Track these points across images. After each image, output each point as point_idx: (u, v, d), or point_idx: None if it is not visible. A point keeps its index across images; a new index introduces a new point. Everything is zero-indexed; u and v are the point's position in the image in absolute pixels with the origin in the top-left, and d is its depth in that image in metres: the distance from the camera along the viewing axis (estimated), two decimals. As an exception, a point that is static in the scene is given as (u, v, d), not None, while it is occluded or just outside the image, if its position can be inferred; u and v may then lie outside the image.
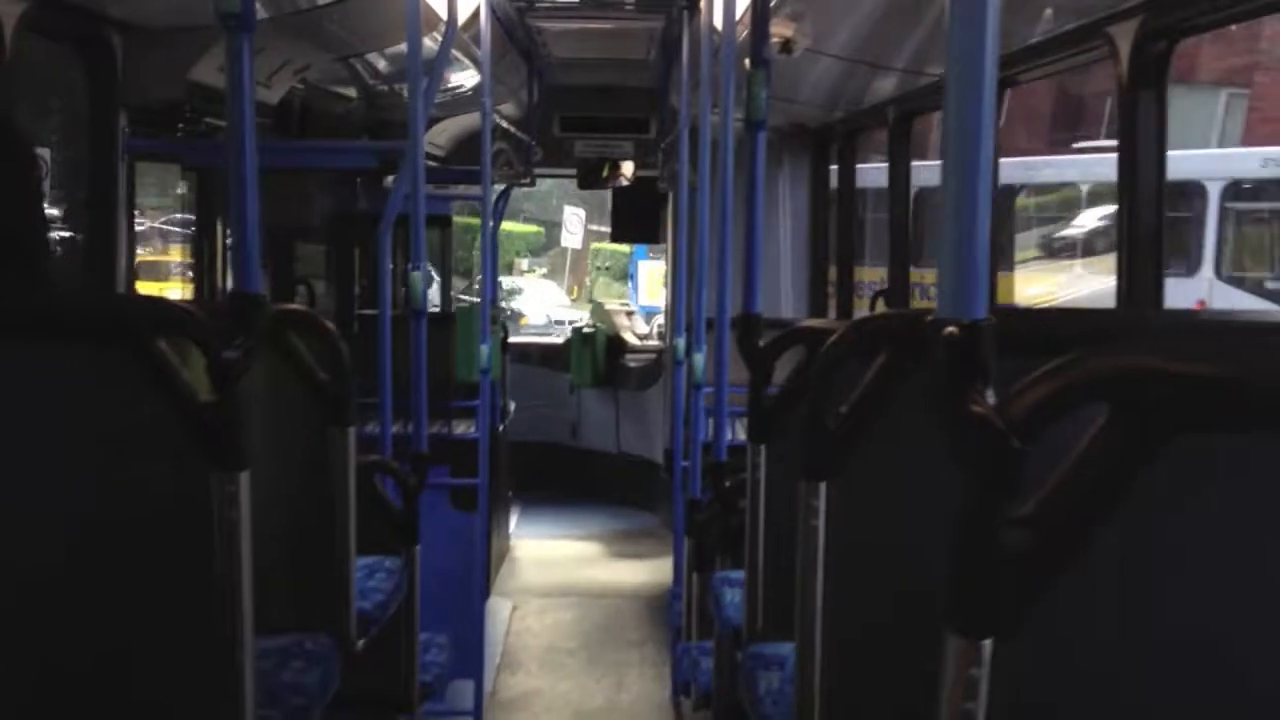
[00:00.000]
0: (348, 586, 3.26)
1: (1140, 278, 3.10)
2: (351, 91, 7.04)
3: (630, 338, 11.55)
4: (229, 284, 5.55)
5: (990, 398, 1.26)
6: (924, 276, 7.25)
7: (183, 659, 2.27)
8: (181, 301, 3.36)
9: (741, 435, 4.88)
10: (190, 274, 5.92)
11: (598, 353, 10.96)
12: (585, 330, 11.28)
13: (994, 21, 1.29)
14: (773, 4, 4.63)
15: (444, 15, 5.16)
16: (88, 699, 2.23)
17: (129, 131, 4.47)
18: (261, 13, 4.62)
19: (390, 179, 5.54)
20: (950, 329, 1.28)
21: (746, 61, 3.37)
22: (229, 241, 5.62)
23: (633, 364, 10.98)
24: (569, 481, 11.22)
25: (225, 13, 2.21)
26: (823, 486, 2.29)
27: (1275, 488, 1.28)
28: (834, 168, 7.78)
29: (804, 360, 2.89)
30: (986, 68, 1.26)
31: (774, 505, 3.11)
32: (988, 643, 1.29)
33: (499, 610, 8.04)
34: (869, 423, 2.22)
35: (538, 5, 7.10)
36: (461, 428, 6.95)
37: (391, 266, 5.57)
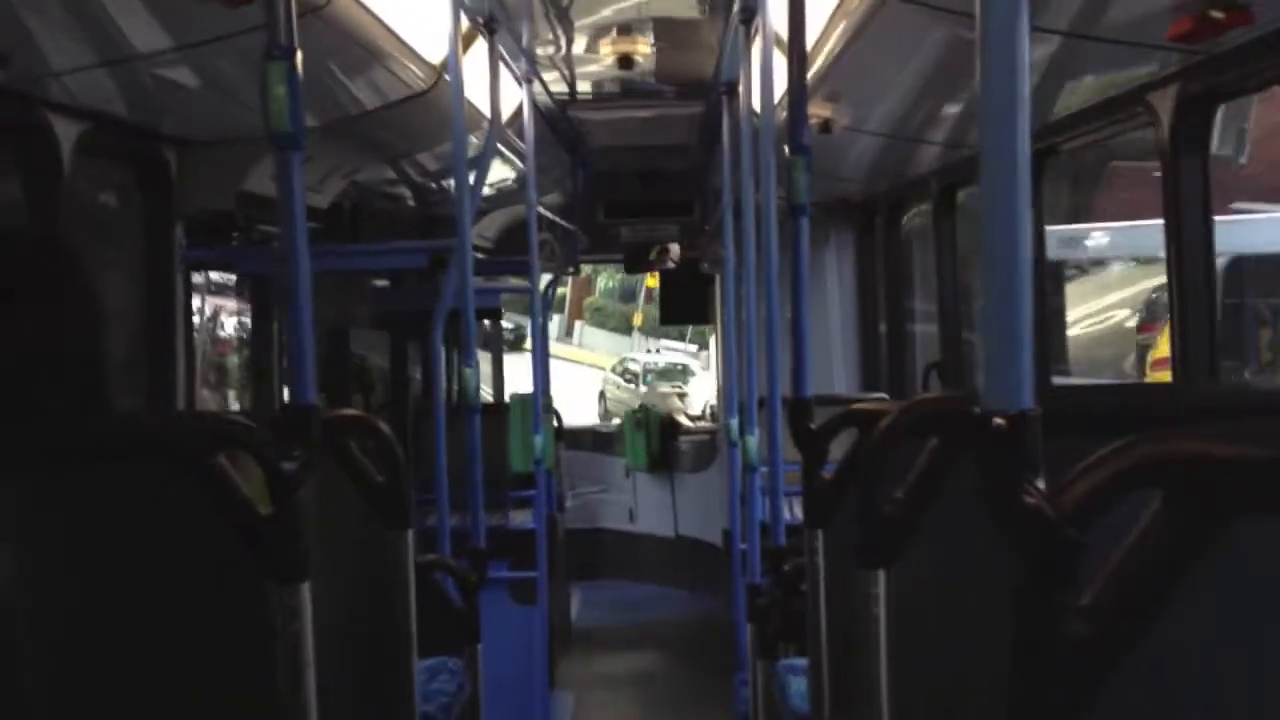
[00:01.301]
0: (411, 691, 3.25)
1: (1194, 350, 3.07)
2: (401, 190, 7.15)
3: (683, 419, 11.53)
4: (284, 389, 5.64)
5: (1040, 486, 1.25)
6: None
7: None
8: (237, 415, 3.40)
9: (800, 515, 4.85)
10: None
11: (651, 435, 10.95)
12: (638, 414, 11.29)
13: (1025, 98, 1.28)
14: (810, 87, 4.69)
15: (487, 113, 5.25)
16: None
17: (184, 243, 4.56)
18: (310, 120, 4.73)
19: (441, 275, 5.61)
20: (998, 421, 1.27)
21: (786, 148, 3.40)
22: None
23: (686, 446, 10.96)
24: (628, 566, 11.15)
25: (276, 133, 2.26)
26: (881, 574, 2.27)
27: None
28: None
29: (858, 441, 2.88)
30: (1019, 146, 1.25)
31: (835, 590, 3.08)
32: None
33: (561, 703, 7.97)
34: (924, 508, 2.20)
35: (579, 98, 7.20)
36: (518, 518, 6.95)
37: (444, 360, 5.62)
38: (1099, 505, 1.23)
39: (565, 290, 31.00)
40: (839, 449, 3.12)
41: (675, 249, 9.85)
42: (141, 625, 2.22)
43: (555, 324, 34.39)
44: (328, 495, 3.07)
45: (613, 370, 26.40)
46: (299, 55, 2.25)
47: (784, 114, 4.63)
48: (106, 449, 2.22)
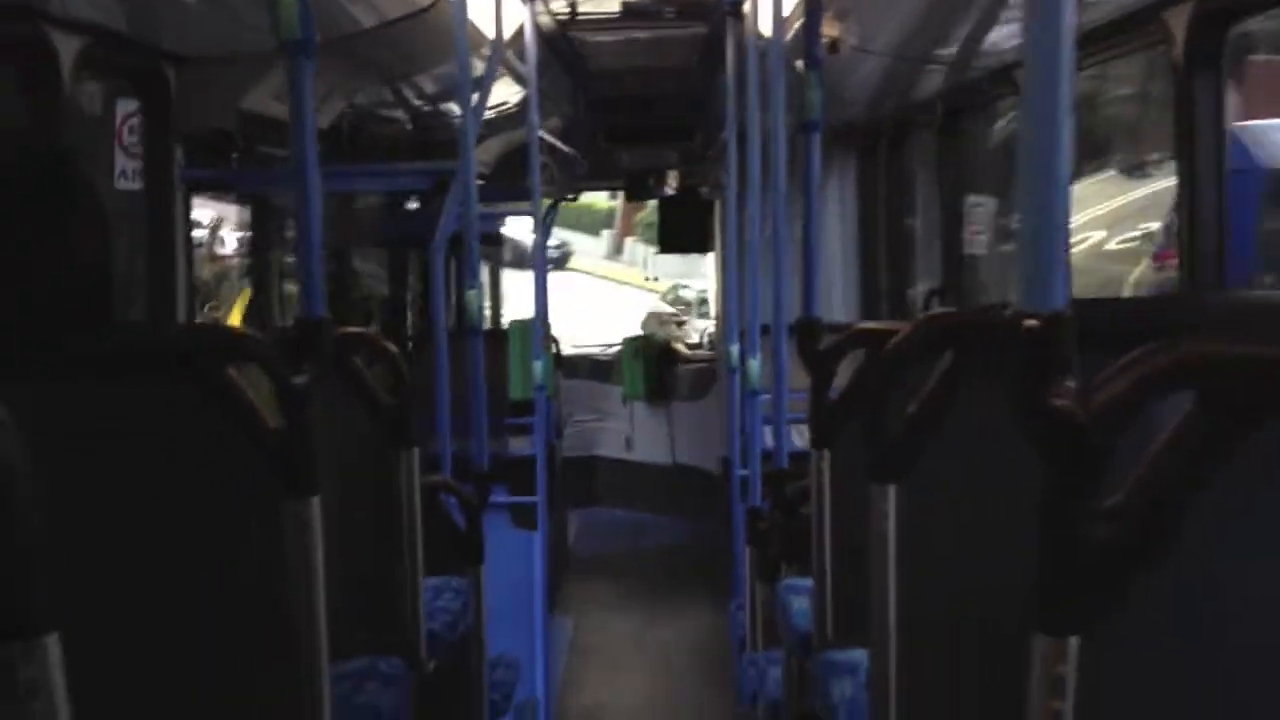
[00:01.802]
0: (418, 608, 3.27)
1: (1203, 261, 3.07)
2: (398, 113, 7.09)
3: (681, 348, 11.54)
4: (282, 309, 5.62)
5: (1071, 391, 1.24)
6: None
7: (259, 686, 2.28)
8: (248, 330, 3.38)
9: (798, 442, 4.86)
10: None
11: (649, 363, 10.96)
12: (636, 341, 11.28)
13: (1071, 5, 1.27)
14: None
15: (489, 34, 5.19)
16: (170, 704, 2.25)
17: (184, 163, 4.52)
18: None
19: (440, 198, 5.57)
20: (1030, 321, 1.26)
21: (799, 63, 3.36)
22: (286, 265, 5.69)
23: (684, 374, 10.97)
24: (624, 494, 11.22)
25: (287, 39, 2.22)
26: (891, 489, 2.27)
27: None
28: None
29: (864, 364, 2.87)
30: (1064, 52, 1.24)
31: (839, 511, 3.09)
32: (1075, 640, 1.28)
33: (561, 627, 8.05)
34: (937, 422, 2.20)
35: (579, 18, 7.12)
36: (516, 444, 6.97)
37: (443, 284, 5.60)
38: (1131, 407, 1.22)
39: (616, 204, 29.23)
40: (842, 377, 3.12)
41: (673, 176, 9.80)
42: (149, 538, 2.22)
43: (605, 240, 33.31)
44: (334, 412, 3.07)
45: (663, 298, 21.94)
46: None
47: (790, 33, 4.59)
48: (115, 361, 2.21)
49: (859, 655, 2.78)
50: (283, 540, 2.24)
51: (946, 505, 2.20)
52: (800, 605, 3.62)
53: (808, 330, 3.32)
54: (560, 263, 26.60)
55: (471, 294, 4.62)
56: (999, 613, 1.85)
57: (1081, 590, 1.28)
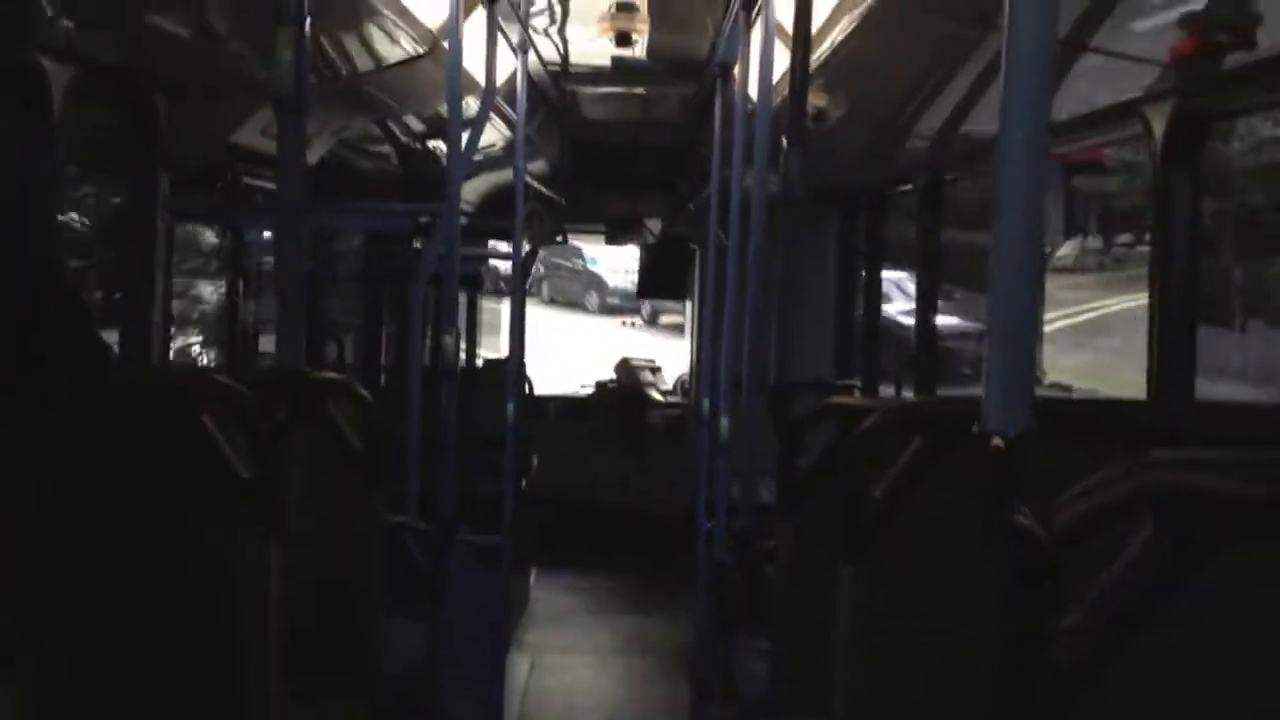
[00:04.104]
0: (378, 648, 3.27)
1: (1172, 367, 3.09)
2: (385, 149, 7.12)
3: (654, 394, 11.56)
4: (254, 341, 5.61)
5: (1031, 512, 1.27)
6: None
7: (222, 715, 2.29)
8: (222, 375, 3.39)
9: (766, 496, 4.88)
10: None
11: (621, 407, 10.98)
12: (610, 384, 11.30)
13: (1046, 111, 1.30)
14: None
15: (481, 80, 5.23)
16: None
17: (169, 194, 4.52)
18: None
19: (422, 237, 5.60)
20: (996, 442, 1.29)
21: (784, 140, 3.40)
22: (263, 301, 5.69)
23: (656, 420, 10.98)
24: (590, 536, 11.19)
25: (282, 96, 2.25)
26: (856, 565, 2.30)
27: None
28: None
29: (838, 436, 2.90)
30: (1037, 162, 1.26)
31: (803, 577, 3.11)
32: None
33: (517, 667, 8.01)
34: (903, 505, 2.23)
35: (571, 71, 7.19)
36: (484, 483, 6.97)
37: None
38: (1090, 529, 1.25)
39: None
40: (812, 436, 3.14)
41: (654, 224, 9.87)
42: (116, 573, 2.22)
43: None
44: (304, 452, 3.07)
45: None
46: (308, 22, 2.25)
47: (779, 99, 4.64)
48: (93, 403, 2.22)
49: None
50: (248, 579, 2.25)
51: (912, 588, 2.23)
52: (755, 667, 3.63)
53: (779, 398, 3.35)
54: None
55: (448, 338, 4.63)
56: (956, 699, 1.87)
57: (1040, 702, 1.31)
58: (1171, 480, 1.24)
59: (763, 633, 3.65)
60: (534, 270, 9.46)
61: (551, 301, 22.74)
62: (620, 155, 9.67)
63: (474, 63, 5.25)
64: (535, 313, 10.71)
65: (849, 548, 2.28)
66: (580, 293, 22.76)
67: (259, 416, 2.25)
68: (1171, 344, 3.03)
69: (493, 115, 6.50)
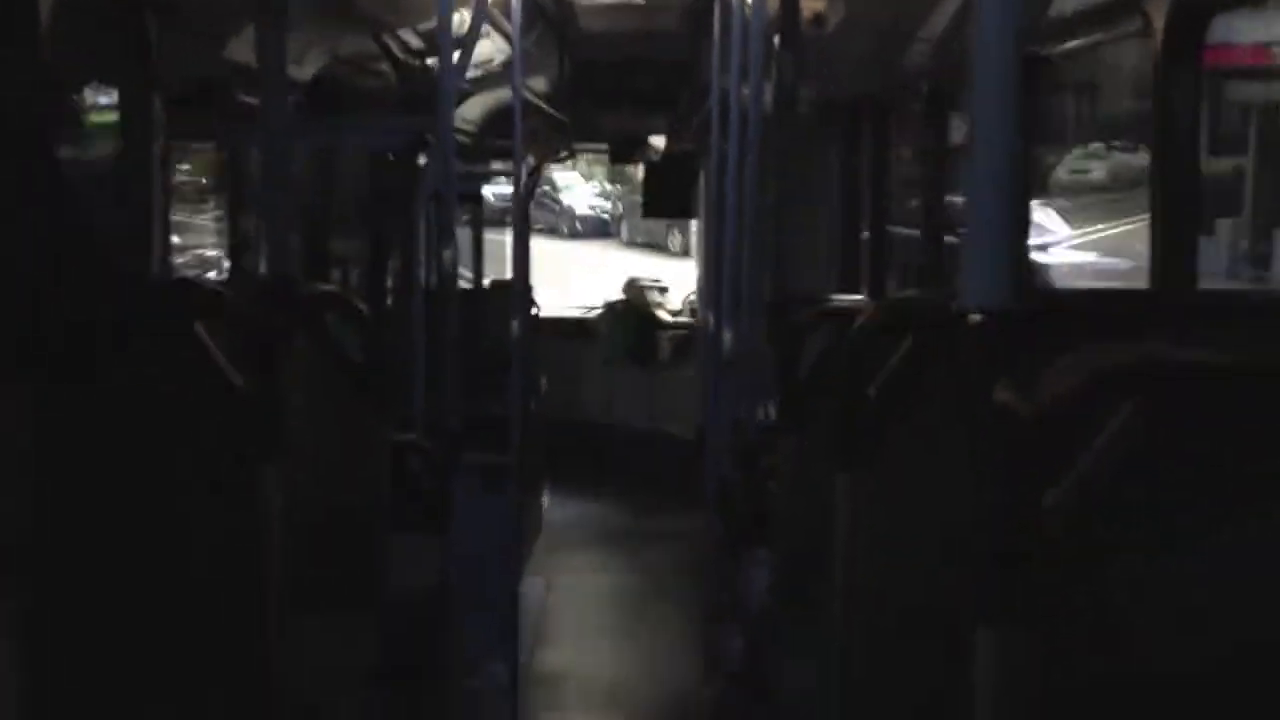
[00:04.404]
0: (384, 565, 3.29)
1: (1174, 256, 3.07)
2: (385, 67, 7.03)
3: (663, 314, 11.54)
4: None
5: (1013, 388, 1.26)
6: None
7: (223, 639, 2.30)
8: (218, 285, 3.37)
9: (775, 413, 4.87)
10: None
11: (630, 328, 10.96)
12: (618, 305, 11.27)
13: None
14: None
15: (475, -11, 5.16)
16: (132, 666, 2.26)
17: (164, 113, 4.48)
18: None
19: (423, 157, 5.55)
20: (974, 317, 1.28)
21: (776, 39, 3.35)
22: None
23: (665, 340, 10.97)
24: (603, 457, 11.23)
25: (260, 2, 2.21)
26: (853, 473, 2.29)
27: None
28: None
29: (834, 341, 2.89)
30: (1010, 48, 1.25)
31: (804, 489, 3.11)
32: (1021, 632, 1.30)
33: (533, 588, 8.07)
34: (898, 408, 2.22)
35: (569, -21, 7.09)
36: (494, 405, 6.97)
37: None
38: (1070, 410, 1.24)
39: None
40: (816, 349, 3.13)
41: (658, 142, 9.78)
42: (116, 494, 2.23)
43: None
44: (305, 370, 3.07)
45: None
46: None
47: (777, 3, 4.57)
48: (84, 319, 2.21)
49: (813, 635, 2.81)
50: (251, 499, 2.25)
51: (908, 490, 2.23)
52: (762, 579, 3.65)
53: (777, 308, 3.33)
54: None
55: (447, 254, 4.60)
56: (953, 601, 1.87)
57: (1023, 584, 1.30)
58: (1148, 359, 1.22)
59: (768, 548, 3.66)
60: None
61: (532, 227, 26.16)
62: (622, 70, 9.55)
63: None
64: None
65: (843, 455, 2.27)
66: (554, 220, 27.45)
67: (252, 324, 2.24)
68: (1173, 236, 3.01)
69: (490, 30, 6.42)
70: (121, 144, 4.42)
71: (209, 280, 5.97)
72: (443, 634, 3.92)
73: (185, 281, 3.97)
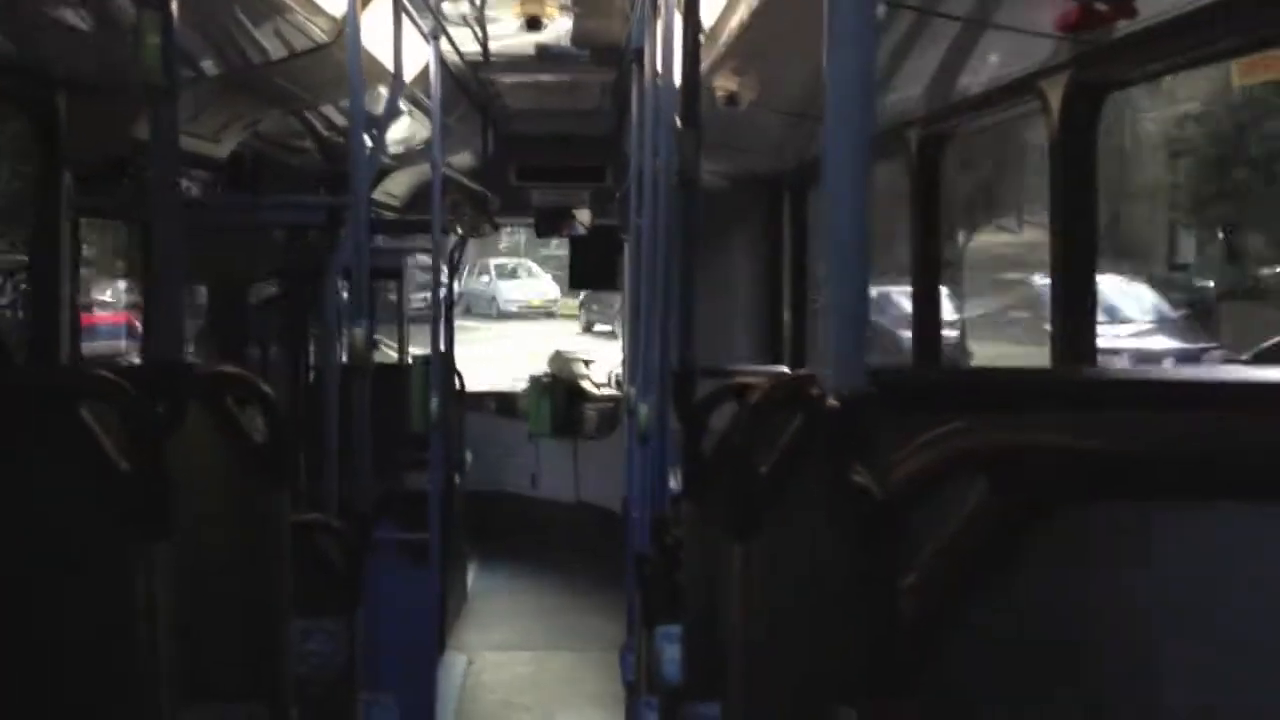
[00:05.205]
0: (284, 651, 3.23)
1: (1072, 331, 3.12)
2: (306, 143, 7.04)
3: (588, 386, 11.53)
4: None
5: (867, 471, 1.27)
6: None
7: None
8: (109, 369, 3.32)
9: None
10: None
11: (556, 400, 10.95)
12: (544, 379, 11.27)
13: (869, 86, 1.30)
14: (716, 60, 4.68)
15: (391, 69, 5.18)
16: None
17: (74, 190, 4.44)
18: (211, 69, 4.62)
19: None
20: (831, 401, 1.29)
21: (676, 121, 3.40)
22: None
23: (591, 412, 10.97)
24: (529, 531, 11.16)
25: (150, 85, 2.21)
26: (745, 544, 2.29)
27: (1161, 556, 1.29)
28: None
29: (732, 420, 2.90)
30: (860, 140, 1.27)
31: (710, 561, 3.10)
32: (881, 711, 1.30)
33: (454, 665, 7.97)
34: (789, 480, 2.23)
35: (491, 60, 7.14)
36: (415, 480, 6.92)
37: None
38: (924, 488, 1.25)
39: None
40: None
41: (585, 214, 9.84)
42: (10, 572, 2.18)
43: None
44: (203, 453, 3.02)
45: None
46: (174, 3, 2.20)
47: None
48: None
49: (718, 709, 2.79)
50: (133, 582, 2.20)
51: (794, 564, 2.23)
52: (672, 654, 3.63)
53: (681, 382, 3.35)
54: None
55: (358, 331, 4.57)
56: (834, 675, 1.87)
57: (888, 659, 1.30)
58: (1000, 440, 1.24)
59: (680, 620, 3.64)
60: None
61: (466, 311, 29.88)
62: (547, 145, 9.62)
63: (386, 51, 5.20)
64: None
65: (736, 528, 2.28)
66: (485, 306, 33.49)
67: (140, 409, 2.21)
68: (1071, 310, 3.06)
69: (412, 107, 6.45)
70: (33, 222, 4.38)
71: (99, 362, 5.90)
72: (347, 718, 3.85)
73: (72, 366, 3.91)
